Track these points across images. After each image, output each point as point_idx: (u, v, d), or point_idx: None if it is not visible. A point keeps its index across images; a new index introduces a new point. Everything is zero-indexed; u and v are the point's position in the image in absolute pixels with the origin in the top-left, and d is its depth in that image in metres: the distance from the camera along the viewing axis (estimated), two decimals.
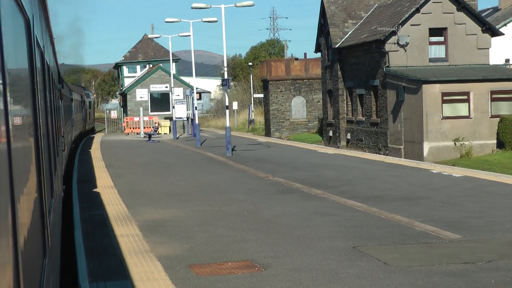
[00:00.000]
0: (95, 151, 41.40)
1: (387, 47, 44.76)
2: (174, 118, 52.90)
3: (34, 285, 3.84)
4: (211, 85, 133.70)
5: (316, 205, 18.49)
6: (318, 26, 57.30)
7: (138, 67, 69.43)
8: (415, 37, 44.60)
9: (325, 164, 29.22)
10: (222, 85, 35.22)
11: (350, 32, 53.31)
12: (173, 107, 53.19)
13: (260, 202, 19.29)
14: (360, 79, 49.71)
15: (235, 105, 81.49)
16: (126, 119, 58.93)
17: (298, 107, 67.53)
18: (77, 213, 18.30)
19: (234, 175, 26.81)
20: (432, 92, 40.41)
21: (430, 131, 40.22)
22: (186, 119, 56.31)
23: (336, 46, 52.84)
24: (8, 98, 3.07)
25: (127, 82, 68.58)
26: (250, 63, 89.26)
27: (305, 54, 68.77)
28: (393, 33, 44.71)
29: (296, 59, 67.67)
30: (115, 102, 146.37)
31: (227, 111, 35.73)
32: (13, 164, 3.10)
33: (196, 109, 44.82)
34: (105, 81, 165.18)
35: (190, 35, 50.26)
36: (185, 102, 55.78)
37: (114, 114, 67.90)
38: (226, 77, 35.67)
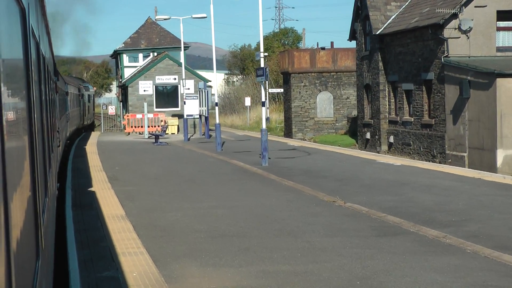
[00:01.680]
0: (92, 156, 34.87)
1: (446, 33, 38.33)
2: (185, 116, 46.28)
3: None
4: (212, 79, 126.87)
5: (462, 266, 11.92)
6: (353, 9, 50.83)
7: (140, 55, 62.47)
8: (480, 21, 38.13)
9: (405, 182, 22.63)
10: (258, 75, 28.67)
11: (393, 16, 46.83)
12: (184, 102, 46.57)
13: (364, 256, 12.71)
14: (408, 71, 43.24)
15: (247, 101, 75.13)
16: (127, 116, 52.08)
17: (324, 104, 61.08)
18: (76, 274, 11.73)
19: (289, 197, 20.23)
20: (508, 88, 33.94)
21: (506, 136, 33.79)
22: (198, 116, 49.73)
23: (377, 33, 46.35)
24: (2, 91, 3.04)
25: (127, 72, 61.65)
26: (266, 53, 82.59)
27: (331, 43, 62.36)
28: (454, 16, 38.31)
29: (323, 48, 61.20)
30: (109, 96, 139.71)
31: (263, 108, 29.18)
32: (6, 161, 3.08)
33: (216, 105, 38.12)
34: (98, 73, 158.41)
35: (206, 17, 43.75)
36: (197, 97, 49.18)
37: (112, 110, 60.95)
38: (262, 65, 29.13)
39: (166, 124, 44.24)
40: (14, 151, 3.61)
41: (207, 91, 46.62)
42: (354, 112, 60.72)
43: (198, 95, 49.68)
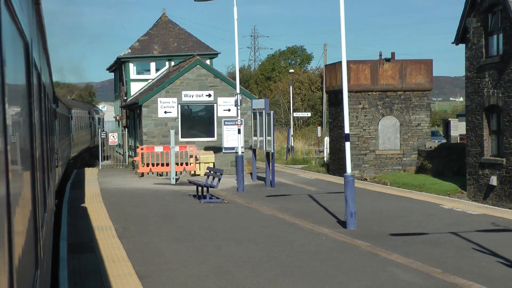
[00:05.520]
0: (110, 249, 14.56)
1: None
2: (239, 152, 25.99)
3: None
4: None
5: None
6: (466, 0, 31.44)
7: (152, 65, 41.63)
8: None
9: None
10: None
11: None
12: (239, 130, 26.27)
13: None
14: None
15: None
16: (141, 149, 31.44)
17: (388, 133, 41.41)
18: None
19: None
20: None
21: None
22: (242, 151, 29.62)
23: None
24: (7, 117, 2.92)
25: (135, 88, 41.05)
26: (291, 70, 62.41)
27: (392, 54, 42.53)
28: None
29: (388, 60, 41.55)
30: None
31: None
32: (10, 180, 2.95)
33: (347, 139, 17.62)
34: (81, 96, 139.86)
35: None
36: (242, 122, 29.14)
37: (113, 138, 40.06)
38: None
39: (220, 169, 23.15)
40: (17, 169, 3.46)
41: (270, 115, 26.50)
42: (430, 144, 41.22)
43: (239, 119, 29.54)
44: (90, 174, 34.06)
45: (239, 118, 25.90)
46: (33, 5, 5.59)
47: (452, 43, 32.91)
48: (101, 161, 39.80)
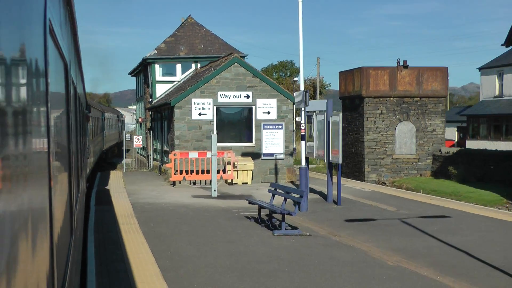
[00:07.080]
0: None
1: None
2: (303, 163, 16.06)
3: (63, 256, 3.49)
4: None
5: None
6: None
7: (178, 66, 31.26)
8: None
9: None
10: None
11: None
12: (302, 136, 16.33)
13: None
14: None
15: None
16: (174, 154, 21.33)
17: (405, 138, 31.72)
18: None
19: None
20: None
21: None
22: (282, 157, 19.62)
23: None
24: (50, 119, 2.81)
25: (160, 90, 30.69)
26: (295, 79, 52.43)
27: (404, 62, 32.87)
28: None
29: (405, 66, 31.88)
30: None
31: None
32: (52, 168, 2.84)
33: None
34: (100, 103, 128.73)
35: None
36: (282, 127, 19.18)
37: (138, 141, 29.54)
38: None
39: (301, 191, 13.23)
40: (58, 160, 3.40)
41: (339, 118, 16.51)
42: (444, 149, 31.84)
43: (281, 124, 19.58)
44: (115, 179, 23.71)
45: (303, 121, 15.81)
46: (72, 35, 5.50)
47: (502, 45, 23.39)
48: (125, 164, 29.22)
